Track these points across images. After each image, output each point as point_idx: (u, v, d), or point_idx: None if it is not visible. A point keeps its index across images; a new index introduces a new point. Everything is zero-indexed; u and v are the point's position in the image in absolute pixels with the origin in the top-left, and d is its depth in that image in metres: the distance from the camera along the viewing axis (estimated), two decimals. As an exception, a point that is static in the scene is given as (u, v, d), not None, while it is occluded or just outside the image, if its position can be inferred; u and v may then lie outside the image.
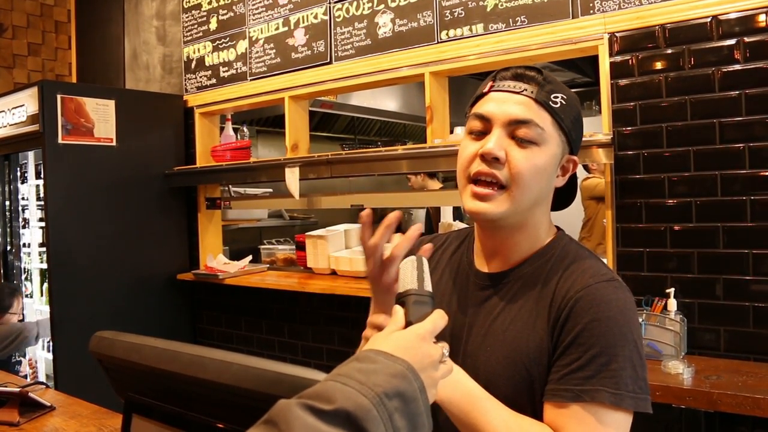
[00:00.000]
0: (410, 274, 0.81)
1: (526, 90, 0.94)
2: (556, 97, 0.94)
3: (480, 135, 0.96)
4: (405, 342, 0.70)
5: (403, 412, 0.60)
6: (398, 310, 0.77)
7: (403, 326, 0.75)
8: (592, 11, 2.22)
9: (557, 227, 1.05)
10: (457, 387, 0.86)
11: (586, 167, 4.33)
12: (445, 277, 1.09)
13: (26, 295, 3.75)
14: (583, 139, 1.86)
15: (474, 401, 0.86)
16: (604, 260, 1.17)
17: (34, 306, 3.71)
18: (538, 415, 0.90)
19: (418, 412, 0.62)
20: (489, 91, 0.97)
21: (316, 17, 3.01)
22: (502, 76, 0.97)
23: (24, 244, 3.76)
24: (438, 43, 2.62)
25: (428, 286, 0.81)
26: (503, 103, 0.94)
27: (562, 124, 0.95)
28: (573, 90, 1.00)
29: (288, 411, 0.55)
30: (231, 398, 0.70)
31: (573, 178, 1.04)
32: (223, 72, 3.45)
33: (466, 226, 1.48)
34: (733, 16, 1.95)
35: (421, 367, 0.67)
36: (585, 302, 0.89)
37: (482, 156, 0.93)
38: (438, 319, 0.76)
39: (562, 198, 1.06)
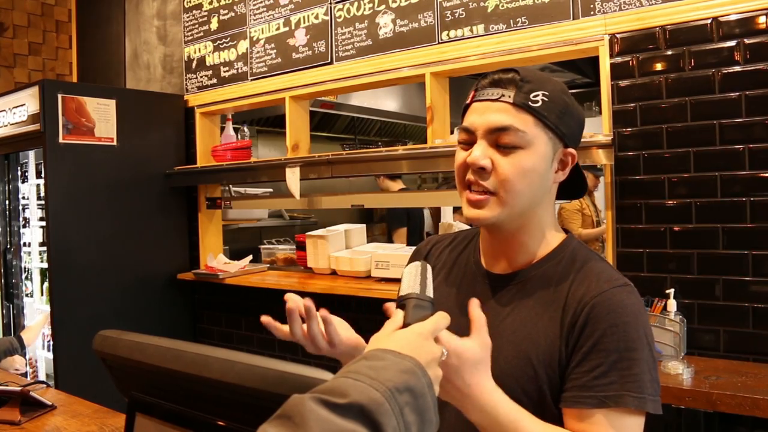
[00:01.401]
0: (413, 279, 0.83)
1: (503, 96, 0.94)
2: (536, 96, 0.94)
3: (468, 146, 0.98)
4: (408, 341, 0.71)
5: (413, 406, 0.61)
6: (398, 313, 0.78)
7: (401, 326, 0.76)
8: (592, 12, 2.22)
9: (565, 230, 1.06)
10: (491, 414, 0.83)
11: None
12: (451, 277, 1.10)
13: (26, 295, 3.75)
14: (583, 140, 1.84)
15: (507, 425, 0.84)
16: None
17: (35, 305, 3.71)
18: (545, 417, 0.90)
19: (427, 407, 0.63)
20: (472, 101, 0.99)
21: (317, 17, 3.02)
22: (481, 84, 0.98)
23: (24, 244, 3.75)
24: (439, 43, 2.62)
25: (430, 292, 0.82)
26: (483, 112, 0.96)
27: (547, 121, 0.94)
28: (573, 91, 1.00)
29: (302, 405, 0.55)
30: (235, 397, 0.70)
31: (578, 168, 1.04)
32: (224, 72, 3.45)
33: (467, 226, 1.49)
34: (733, 17, 1.96)
35: (426, 363, 0.68)
36: (602, 308, 0.90)
37: (469, 166, 0.96)
38: (440, 320, 0.77)
39: (574, 188, 1.07)
